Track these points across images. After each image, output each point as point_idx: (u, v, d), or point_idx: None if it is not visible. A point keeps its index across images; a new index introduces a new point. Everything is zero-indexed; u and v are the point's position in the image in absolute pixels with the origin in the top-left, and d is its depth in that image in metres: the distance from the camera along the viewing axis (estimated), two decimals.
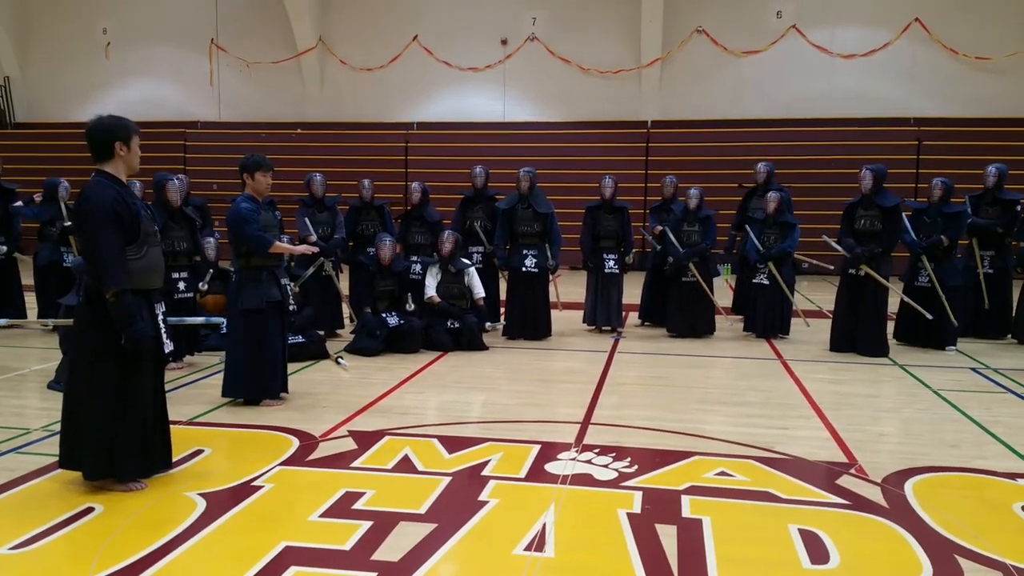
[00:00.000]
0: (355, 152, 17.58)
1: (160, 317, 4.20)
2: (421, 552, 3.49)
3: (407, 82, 18.13)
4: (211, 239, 8.29)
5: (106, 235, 3.95)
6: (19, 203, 9.38)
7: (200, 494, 4.11)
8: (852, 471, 4.64)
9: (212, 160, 17.48)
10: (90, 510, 3.90)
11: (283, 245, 5.85)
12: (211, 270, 8.10)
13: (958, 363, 7.74)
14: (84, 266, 4.11)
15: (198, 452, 4.80)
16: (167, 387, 6.41)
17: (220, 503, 4.00)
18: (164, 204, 7.16)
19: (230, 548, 3.54)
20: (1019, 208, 8.88)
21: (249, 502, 4.02)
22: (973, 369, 7.49)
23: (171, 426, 4.48)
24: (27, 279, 9.56)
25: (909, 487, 4.38)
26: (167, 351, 4.26)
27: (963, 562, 3.49)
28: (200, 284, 7.73)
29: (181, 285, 7.22)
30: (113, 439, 4.04)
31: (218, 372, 7.01)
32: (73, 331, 4.27)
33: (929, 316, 8.08)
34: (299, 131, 18.35)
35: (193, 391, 6.45)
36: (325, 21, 18.37)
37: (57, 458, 4.21)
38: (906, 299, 8.30)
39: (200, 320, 5.66)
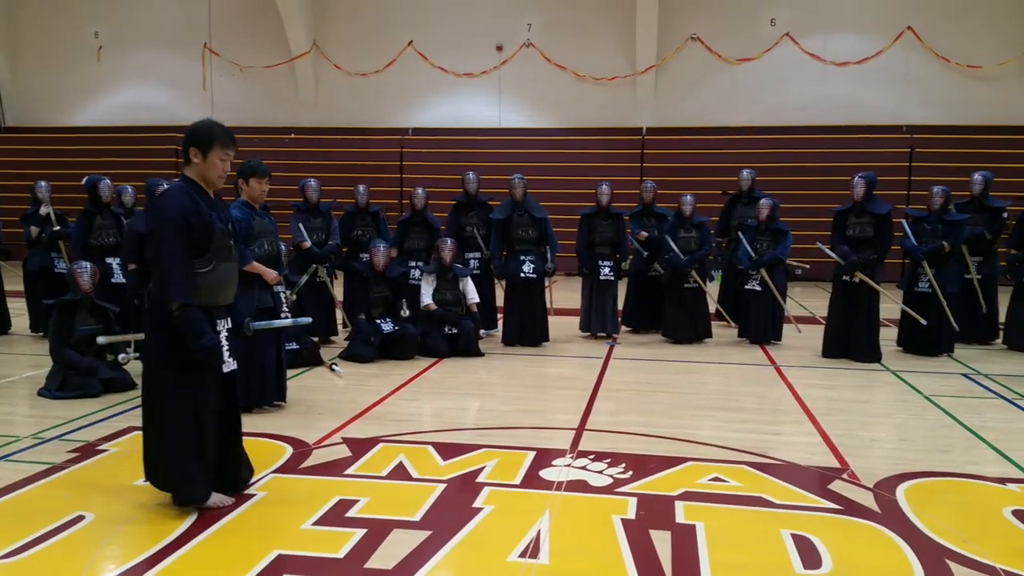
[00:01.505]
0: (350, 157, 17.58)
1: (224, 335, 4.04)
2: (415, 560, 3.49)
3: (402, 88, 18.14)
4: None
5: (171, 244, 3.77)
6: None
7: None
8: (844, 476, 4.66)
9: None
10: (80, 519, 3.89)
11: (257, 265, 5.76)
12: None
13: (949, 369, 7.77)
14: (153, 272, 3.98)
15: None
16: None
17: (212, 511, 3.98)
18: None
19: (222, 556, 3.53)
20: (1005, 215, 8.96)
21: (242, 510, 4.02)
22: (964, 375, 7.52)
23: None
24: (9, 285, 9.53)
25: (901, 492, 4.39)
26: (227, 369, 4.07)
27: (954, 567, 3.50)
28: None
29: None
30: (177, 457, 3.91)
31: None
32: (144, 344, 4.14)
33: (924, 322, 8.11)
34: (293, 136, 18.35)
35: None
36: (319, 26, 18.38)
37: (49, 465, 4.20)
38: (903, 307, 8.33)
39: (288, 322, 5.44)
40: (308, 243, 8.53)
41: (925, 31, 16.27)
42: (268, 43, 18.35)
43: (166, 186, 7.27)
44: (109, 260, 8.20)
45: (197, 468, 3.94)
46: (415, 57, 17.97)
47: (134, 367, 6.86)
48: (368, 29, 18.14)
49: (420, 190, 9.32)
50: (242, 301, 5.71)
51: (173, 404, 3.87)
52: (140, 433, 4.05)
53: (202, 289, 3.88)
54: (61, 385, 6.31)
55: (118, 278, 8.10)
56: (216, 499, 4.02)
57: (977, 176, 9.01)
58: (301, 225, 8.59)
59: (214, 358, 3.88)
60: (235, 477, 4.20)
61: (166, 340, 3.83)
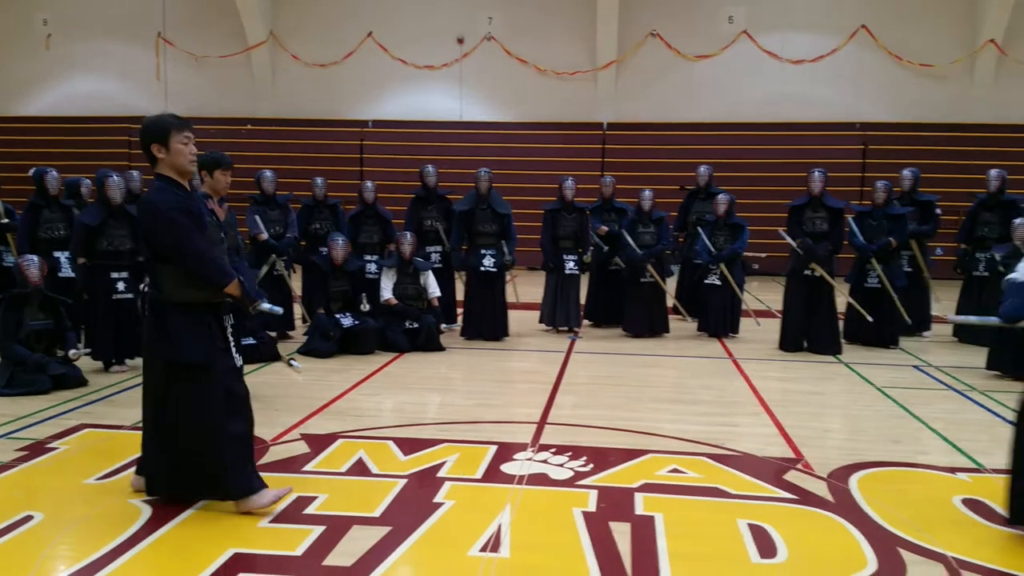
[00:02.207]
0: (307, 149, 17.38)
1: (229, 330, 3.95)
2: (375, 556, 3.47)
3: (362, 79, 17.97)
4: None
5: (188, 235, 3.69)
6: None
7: (145, 500, 4.02)
8: (799, 466, 4.73)
9: None
10: (29, 518, 3.80)
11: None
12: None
13: (901, 361, 7.92)
14: (151, 276, 3.87)
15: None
16: (109, 391, 6.34)
17: (166, 509, 3.91)
18: (105, 202, 7.01)
19: (176, 556, 3.47)
20: (938, 211, 9.17)
21: (196, 508, 3.94)
22: (915, 367, 7.68)
23: (113, 431, 4.38)
24: None
25: (854, 482, 4.48)
26: (239, 364, 4.01)
27: (906, 555, 3.58)
28: (141, 285, 7.57)
29: (121, 286, 7.05)
30: (234, 450, 3.82)
31: None
32: (143, 346, 3.99)
33: (870, 318, 8.27)
34: (249, 127, 18.08)
35: (137, 395, 6.22)
36: (276, 15, 18.12)
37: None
38: (851, 301, 8.48)
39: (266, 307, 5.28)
40: (265, 235, 8.42)
41: (879, 30, 16.54)
42: (224, 32, 18.05)
43: (115, 177, 7.14)
44: (57, 254, 8.00)
45: (243, 459, 3.87)
46: (375, 49, 17.81)
47: (85, 363, 6.75)
48: (326, 19, 17.94)
49: (369, 183, 9.27)
50: None
51: (203, 401, 3.78)
52: (93, 431, 3.97)
53: (189, 287, 3.78)
54: (9, 381, 6.15)
55: (66, 272, 7.91)
56: (272, 494, 3.92)
57: (906, 172, 9.23)
58: (257, 217, 8.48)
59: (271, 312, 3.94)
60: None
61: (177, 342, 3.74)
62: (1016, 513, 3.76)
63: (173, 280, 3.77)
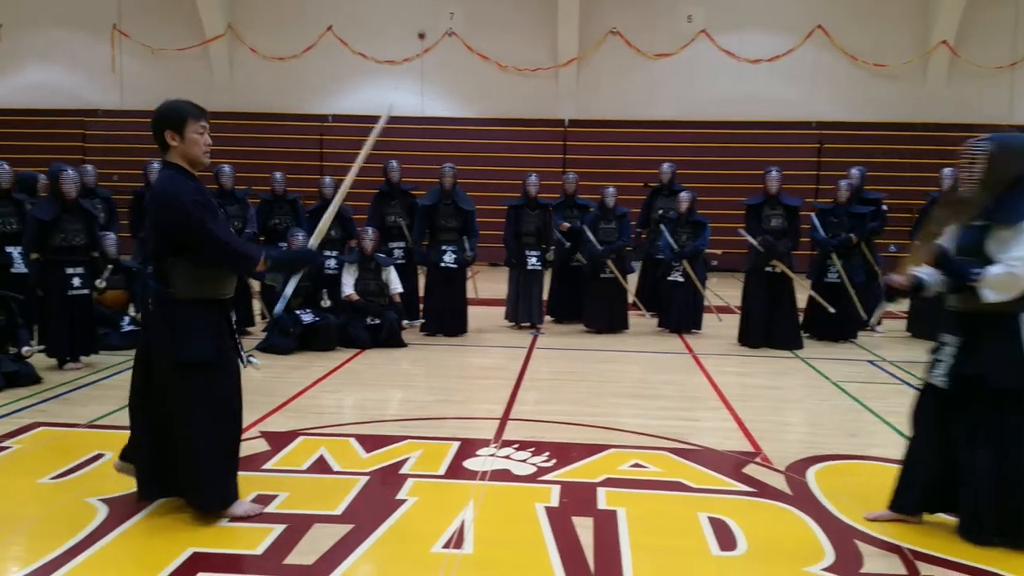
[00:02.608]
0: (267, 144, 17.19)
1: (236, 329, 3.87)
2: (337, 554, 3.45)
3: (322, 73, 17.80)
4: (111, 234, 8.02)
5: (209, 222, 3.55)
6: None
7: (102, 500, 3.96)
8: (758, 460, 4.80)
9: (113, 150, 16.82)
10: None
11: None
12: (109, 266, 7.82)
13: (856, 356, 8.07)
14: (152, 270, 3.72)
15: (98, 456, 4.61)
16: (64, 389, 6.21)
17: (123, 509, 3.85)
18: (59, 196, 6.87)
19: (134, 556, 3.42)
20: (884, 207, 9.35)
21: (154, 507, 3.87)
22: (870, 361, 7.83)
23: (67, 429, 4.29)
24: None
25: (811, 475, 4.55)
26: (244, 366, 3.92)
27: (862, 546, 3.64)
28: (97, 281, 7.44)
29: (76, 281, 6.90)
30: (223, 461, 3.73)
31: (118, 373, 6.80)
32: (143, 344, 3.84)
33: (832, 310, 8.41)
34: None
35: (93, 392, 6.21)
36: (234, 8, 17.87)
37: None
38: (814, 295, 8.62)
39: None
40: None
41: (834, 30, 16.81)
42: (181, 25, 17.75)
43: (70, 172, 6.99)
44: (10, 249, 7.82)
45: (230, 469, 3.78)
46: (335, 43, 17.66)
47: (38, 360, 6.61)
48: (286, 12, 17.74)
49: (328, 179, 9.22)
50: None
51: (204, 403, 3.66)
52: (47, 429, 3.88)
53: (210, 282, 3.69)
54: None
55: (19, 267, 7.74)
56: (249, 507, 3.83)
57: (854, 171, 9.38)
58: None
59: (316, 261, 3.78)
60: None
61: (180, 339, 3.61)
62: (897, 501, 3.89)
63: (185, 275, 3.62)
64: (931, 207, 9.11)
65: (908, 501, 3.89)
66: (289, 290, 4.44)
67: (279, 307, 5.11)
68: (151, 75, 18.08)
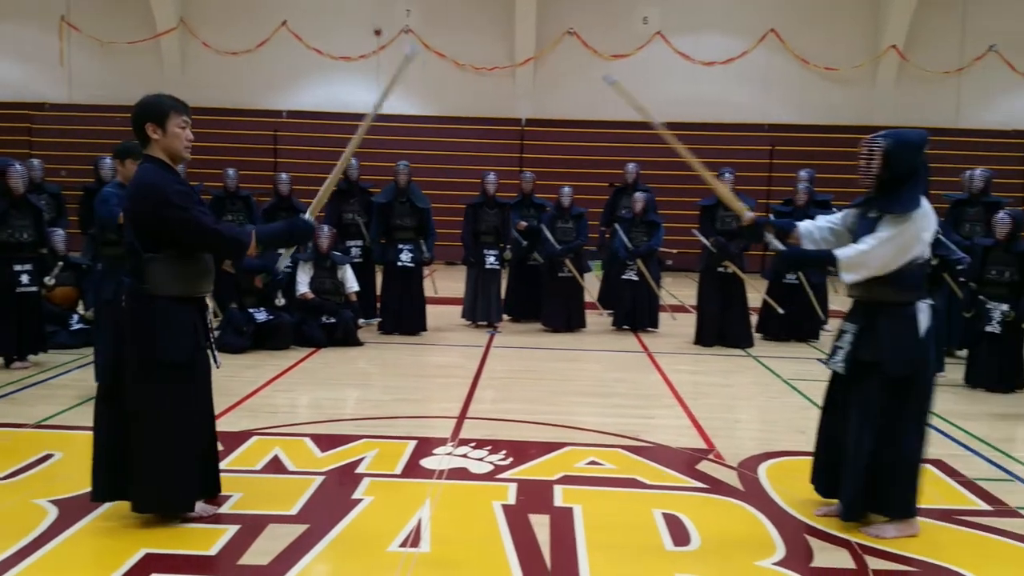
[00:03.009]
0: (219, 139, 16.89)
1: (211, 327, 3.79)
2: (292, 554, 3.43)
3: (276, 68, 17.60)
4: (60, 230, 7.86)
5: (192, 213, 3.52)
6: None
7: (51, 501, 3.89)
8: (711, 456, 4.88)
9: (61, 144, 16.43)
10: None
11: None
12: (59, 263, 7.66)
13: (807, 355, 8.23)
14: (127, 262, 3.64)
15: (48, 456, 4.53)
16: (11, 388, 6.08)
17: (74, 510, 3.79)
18: (6, 192, 6.71)
19: (86, 557, 3.37)
20: (834, 209, 9.53)
21: (106, 508, 3.81)
22: (820, 360, 7.98)
23: (15, 429, 4.20)
24: None
25: (763, 471, 4.64)
26: (218, 365, 3.84)
27: (812, 541, 3.73)
28: (46, 278, 7.29)
29: (24, 279, 6.74)
30: (171, 464, 3.60)
31: (67, 372, 6.68)
32: (114, 342, 3.75)
33: (782, 311, 8.56)
34: None
35: (41, 391, 6.08)
36: (186, 1, 17.60)
37: None
38: (766, 297, 8.76)
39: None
40: None
41: (787, 34, 17.09)
42: (131, 18, 17.40)
43: (18, 167, 6.83)
44: None
45: (190, 473, 3.68)
46: (289, 38, 17.47)
47: None
48: (239, 6, 17.49)
49: (284, 175, 9.15)
50: (109, 286, 5.55)
51: (168, 405, 3.56)
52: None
53: (185, 280, 3.61)
54: None
55: None
56: (201, 508, 3.76)
57: (803, 173, 9.54)
58: None
59: (312, 233, 3.88)
60: (215, 479, 3.92)
61: (155, 338, 3.53)
62: (818, 484, 4.05)
63: (162, 271, 3.55)
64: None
65: (820, 484, 4.05)
66: (283, 262, 4.37)
67: (281, 263, 5.04)
68: (101, 69, 17.71)
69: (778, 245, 4.07)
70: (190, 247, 3.59)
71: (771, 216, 8.91)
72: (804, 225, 4.09)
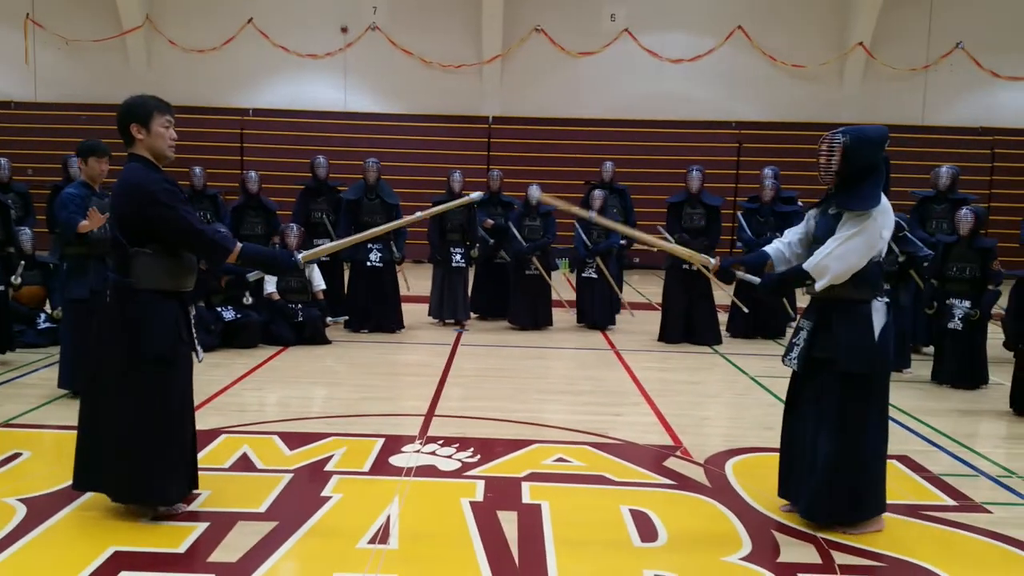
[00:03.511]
0: (185, 138, 16.38)
1: (193, 323, 3.81)
2: (261, 551, 3.43)
3: (242, 66, 17.45)
4: (27, 229, 7.76)
5: (181, 211, 3.56)
6: None
7: (20, 499, 3.86)
8: (678, 453, 4.94)
9: (27, 143, 16.17)
10: None
11: (86, 223, 5.48)
12: (22, 262, 7.56)
13: (772, 351, 8.34)
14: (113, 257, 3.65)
15: (16, 455, 4.49)
16: None
17: (42, 508, 3.76)
18: None
19: (55, 556, 3.35)
20: (800, 204, 9.66)
21: (74, 506, 3.80)
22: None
23: None
24: None
25: (729, 467, 4.71)
26: (200, 359, 3.86)
27: (779, 536, 3.79)
28: (12, 277, 7.18)
29: None
30: (153, 457, 3.61)
31: (34, 371, 6.61)
32: (95, 337, 3.74)
33: (746, 310, 8.65)
34: None
35: (8, 390, 6.01)
36: None
37: None
38: (734, 300, 8.84)
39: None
40: None
41: (754, 31, 17.26)
42: (97, 16, 17.16)
43: None
44: None
45: (175, 467, 3.70)
46: (255, 35, 17.32)
47: None
48: (205, 4, 17.31)
49: (252, 173, 9.08)
50: (76, 283, 5.52)
51: (152, 398, 3.60)
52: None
53: (169, 274, 3.63)
54: None
55: None
56: (179, 506, 3.80)
57: (767, 170, 9.64)
58: None
59: (295, 267, 3.87)
60: (195, 473, 3.93)
61: (139, 331, 3.56)
62: (783, 488, 4.07)
63: (147, 266, 3.58)
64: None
65: (780, 483, 4.08)
66: (254, 274, 4.40)
67: (252, 274, 5.12)
68: (66, 67, 17.45)
69: (751, 279, 4.08)
70: (174, 245, 3.63)
71: (739, 214, 9.06)
72: (775, 248, 4.05)
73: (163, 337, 3.60)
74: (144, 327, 3.57)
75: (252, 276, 4.89)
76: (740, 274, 4.10)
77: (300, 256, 3.92)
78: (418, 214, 4.65)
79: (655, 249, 4.55)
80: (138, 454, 3.60)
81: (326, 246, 4.25)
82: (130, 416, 3.59)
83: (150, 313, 3.59)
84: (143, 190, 3.56)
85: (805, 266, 3.79)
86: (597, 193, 9.26)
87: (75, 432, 3.91)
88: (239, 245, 3.73)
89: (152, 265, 3.60)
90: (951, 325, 6.93)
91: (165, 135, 3.71)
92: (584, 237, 9.10)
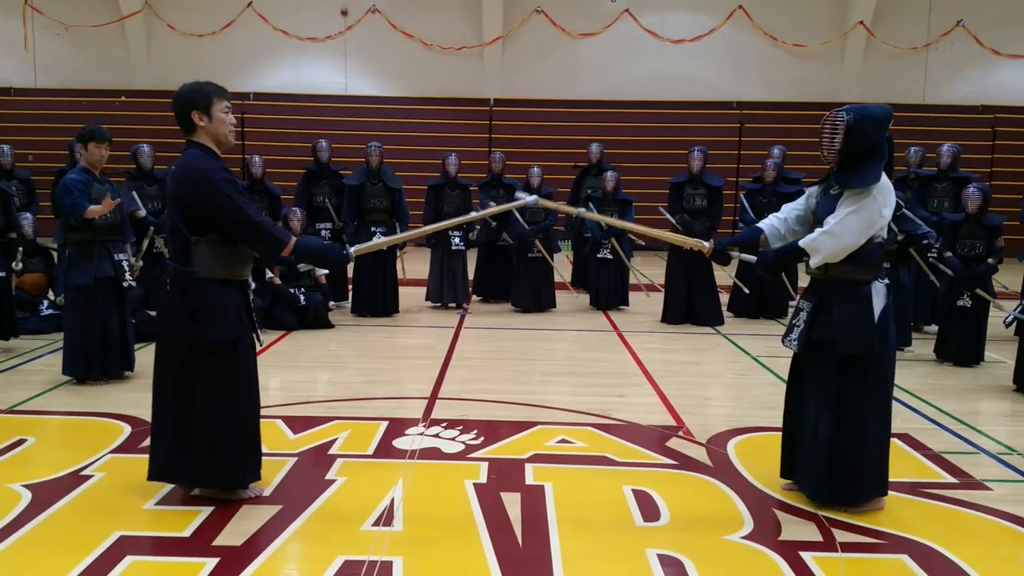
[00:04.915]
0: None
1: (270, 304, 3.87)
2: (265, 534, 3.46)
3: (242, 50, 17.39)
4: (28, 215, 7.76)
5: (239, 201, 3.54)
6: None
7: (25, 485, 3.88)
8: (680, 433, 4.96)
9: (27, 129, 16.16)
10: None
11: (95, 208, 5.52)
12: (20, 248, 7.56)
13: (775, 331, 8.33)
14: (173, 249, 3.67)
15: (21, 441, 4.52)
16: None
17: (47, 494, 3.79)
18: None
19: (60, 540, 3.37)
20: (804, 185, 9.64)
21: (79, 491, 3.83)
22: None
23: None
24: None
25: (731, 447, 4.72)
26: (260, 344, 3.87)
27: (780, 515, 3.81)
28: (13, 263, 7.19)
29: None
30: (225, 442, 3.65)
31: (38, 357, 6.63)
32: (158, 326, 3.79)
33: (747, 290, 8.66)
34: (123, 99, 17.24)
35: (12, 377, 6.03)
36: None
37: None
38: (731, 276, 8.86)
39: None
40: (143, 212, 8.13)
41: (755, 11, 17.16)
42: (95, 1, 17.11)
43: None
44: None
45: (246, 451, 3.75)
46: (255, 19, 17.25)
47: None
48: None
49: (257, 158, 9.08)
50: (80, 270, 5.54)
51: (220, 387, 3.63)
52: None
53: (228, 262, 3.64)
54: None
55: None
56: (256, 489, 3.84)
57: (775, 150, 9.63)
58: (134, 193, 8.18)
59: (346, 260, 3.84)
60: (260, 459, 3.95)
61: (203, 319, 3.56)
62: (785, 469, 4.06)
63: (207, 254, 3.58)
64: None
65: (782, 464, 4.09)
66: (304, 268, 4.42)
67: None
68: (66, 53, 17.41)
69: (748, 258, 4.02)
70: (230, 235, 3.60)
71: (741, 195, 9.03)
72: (769, 223, 4.02)
73: (226, 323, 3.61)
74: (207, 314, 3.57)
75: (303, 267, 4.92)
76: (735, 254, 4.08)
77: (353, 249, 3.92)
78: (473, 214, 4.62)
79: (649, 236, 4.50)
80: (210, 440, 3.63)
81: (380, 240, 4.18)
82: (199, 403, 3.62)
83: (212, 300, 3.59)
84: (206, 178, 3.54)
85: (801, 243, 3.77)
86: (609, 175, 9.23)
87: (79, 418, 3.95)
88: (293, 239, 3.70)
89: (212, 253, 3.59)
90: (960, 303, 6.92)
91: (226, 120, 3.71)
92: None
